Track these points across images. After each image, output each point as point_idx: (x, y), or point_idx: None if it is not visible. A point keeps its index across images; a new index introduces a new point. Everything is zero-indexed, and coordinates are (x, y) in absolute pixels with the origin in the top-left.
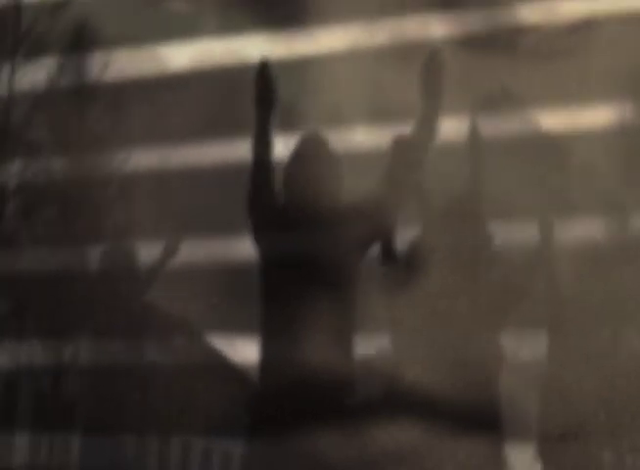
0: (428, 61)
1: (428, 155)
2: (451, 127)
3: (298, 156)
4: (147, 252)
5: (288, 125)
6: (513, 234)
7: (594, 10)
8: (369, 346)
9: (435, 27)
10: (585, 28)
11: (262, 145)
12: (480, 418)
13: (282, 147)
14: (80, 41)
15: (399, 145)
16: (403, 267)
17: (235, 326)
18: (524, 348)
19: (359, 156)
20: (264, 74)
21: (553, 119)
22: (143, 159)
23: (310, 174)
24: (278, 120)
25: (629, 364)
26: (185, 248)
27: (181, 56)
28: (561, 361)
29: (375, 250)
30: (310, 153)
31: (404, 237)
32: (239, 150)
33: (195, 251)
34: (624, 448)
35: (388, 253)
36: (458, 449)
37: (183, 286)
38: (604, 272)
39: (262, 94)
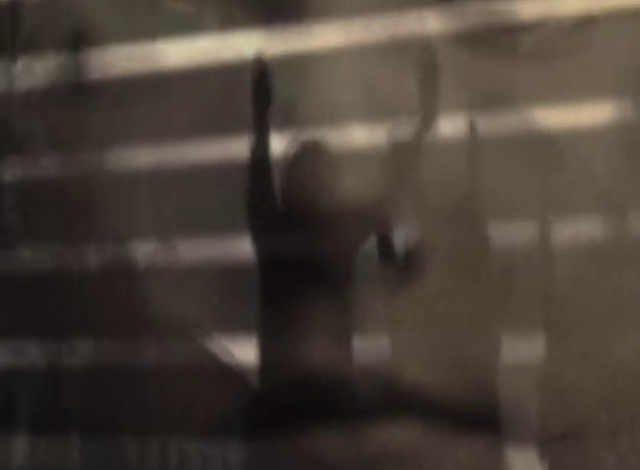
0: (424, 57)
1: (425, 152)
2: (449, 125)
3: (297, 154)
4: (145, 251)
5: (286, 123)
6: (511, 233)
7: (594, 7)
8: (368, 346)
9: (433, 23)
10: (586, 26)
11: (260, 143)
12: (481, 418)
13: (280, 145)
14: (79, 39)
15: (396, 142)
16: (402, 266)
17: (234, 326)
18: (522, 348)
19: (358, 154)
20: (260, 71)
21: (552, 118)
22: (143, 157)
23: (309, 173)
24: (276, 118)
25: (631, 364)
26: (183, 247)
27: (179, 53)
28: (561, 361)
29: (372, 247)
30: (309, 151)
31: (402, 236)
32: (237, 148)
33: (193, 250)
34: (625, 449)
35: (387, 251)
36: (458, 450)
37: (181, 286)
38: (604, 272)
39: (258, 91)
